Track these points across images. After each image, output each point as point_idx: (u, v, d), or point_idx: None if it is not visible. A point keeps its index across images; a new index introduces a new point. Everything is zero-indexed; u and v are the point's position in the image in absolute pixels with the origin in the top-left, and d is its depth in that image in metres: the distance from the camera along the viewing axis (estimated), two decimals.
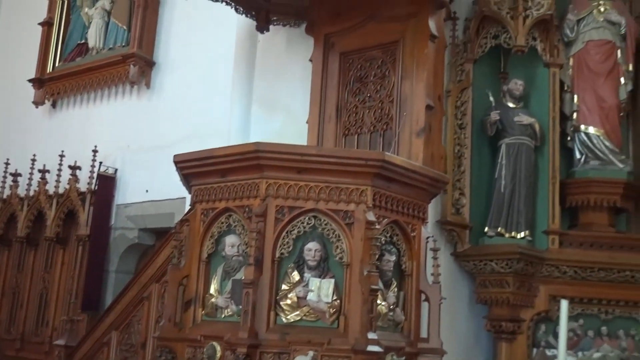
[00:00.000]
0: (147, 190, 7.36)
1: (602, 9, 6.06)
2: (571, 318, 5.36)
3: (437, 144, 5.32)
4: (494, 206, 5.68)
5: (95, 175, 7.59)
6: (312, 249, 3.90)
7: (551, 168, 5.74)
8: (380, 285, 3.95)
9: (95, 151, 7.63)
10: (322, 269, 3.91)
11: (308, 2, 5.84)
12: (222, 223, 4.13)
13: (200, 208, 4.20)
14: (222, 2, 5.72)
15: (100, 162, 7.62)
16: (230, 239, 4.10)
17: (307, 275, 3.88)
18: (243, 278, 3.83)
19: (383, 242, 4.03)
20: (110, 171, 7.67)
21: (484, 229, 5.69)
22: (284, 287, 3.89)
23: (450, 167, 5.66)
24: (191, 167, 4.28)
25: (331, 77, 5.72)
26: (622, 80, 5.99)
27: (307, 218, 3.93)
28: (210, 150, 4.16)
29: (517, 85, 5.89)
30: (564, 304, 4.43)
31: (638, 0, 6.30)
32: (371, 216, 3.88)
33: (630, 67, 6.03)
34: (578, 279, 5.59)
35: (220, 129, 6.38)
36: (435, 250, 4.36)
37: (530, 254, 5.53)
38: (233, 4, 5.79)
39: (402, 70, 5.33)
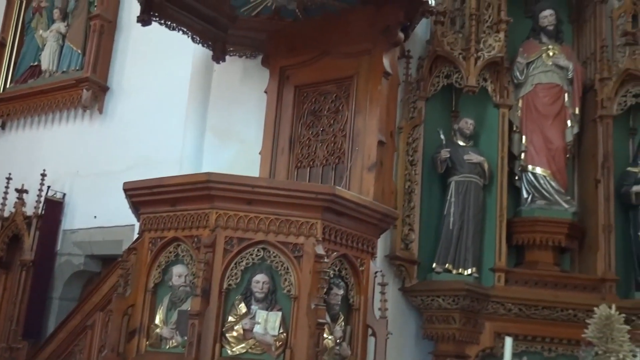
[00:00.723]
0: (95, 217, 7.26)
1: (550, 54, 6.24)
2: (515, 355, 5.41)
3: (388, 179, 5.38)
4: (442, 242, 5.75)
5: (42, 199, 7.45)
6: (260, 281, 3.91)
7: (499, 206, 5.84)
8: (328, 319, 3.96)
9: (43, 175, 7.51)
10: (270, 301, 3.92)
11: (265, 35, 5.88)
12: (170, 253, 4.11)
13: (149, 237, 4.17)
14: (179, 31, 5.73)
15: (49, 187, 7.49)
16: (177, 269, 4.08)
17: (254, 307, 3.88)
18: (189, 309, 3.81)
19: (331, 275, 4.05)
20: (59, 196, 7.55)
21: (432, 264, 5.74)
22: (230, 318, 3.88)
23: (401, 202, 5.72)
24: (141, 195, 4.25)
25: (285, 109, 5.76)
26: (569, 123, 6.16)
27: (256, 250, 3.94)
28: (160, 179, 4.15)
29: (467, 124, 6.01)
30: (509, 341, 4.51)
31: (585, 46, 6.50)
32: (320, 249, 3.90)
33: (577, 111, 6.19)
34: (523, 317, 5.67)
35: (172, 157, 6.35)
36: (383, 285, 4.39)
37: (477, 291, 5.60)
38: (190, 33, 5.80)
39: (355, 105, 5.39)
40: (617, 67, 6.02)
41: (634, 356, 4.33)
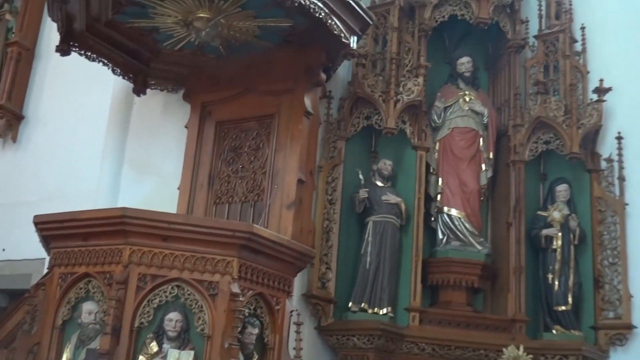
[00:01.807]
0: (3, 249, 7.00)
1: (467, 99, 6.44)
2: None
3: (306, 218, 5.40)
4: (359, 282, 5.79)
5: None
6: (173, 319, 3.84)
7: (415, 247, 5.93)
8: (241, 358, 3.92)
9: None
10: (182, 340, 3.84)
11: (187, 70, 5.87)
12: (81, 289, 4.00)
13: (59, 272, 4.06)
14: (99, 62, 5.65)
15: None
16: (87, 306, 3.97)
17: (166, 346, 3.80)
18: (98, 347, 3.69)
19: (246, 314, 4.02)
20: None
21: (349, 303, 5.77)
22: (141, 357, 3.79)
23: (319, 241, 5.74)
24: (52, 229, 4.14)
25: (206, 144, 5.73)
26: (483, 166, 6.34)
27: (170, 287, 3.88)
28: (73, 213, 4.05)
29: (386, 165, 6.11)
30: None
31: (500, 93, 6.73)
32: (236, 288, 3.87)
33: (491, 155, 6.38)
34: (436, 357, 5.73)
35: (87, 190, 6.20)
36: (298, 324, 4.38)
37: (392, 331, 5.64)
38: (111, 65, 5.73)
39: (276, 143, 5.41)
40: (529, 114, 6.25)
41: None
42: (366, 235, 5.89)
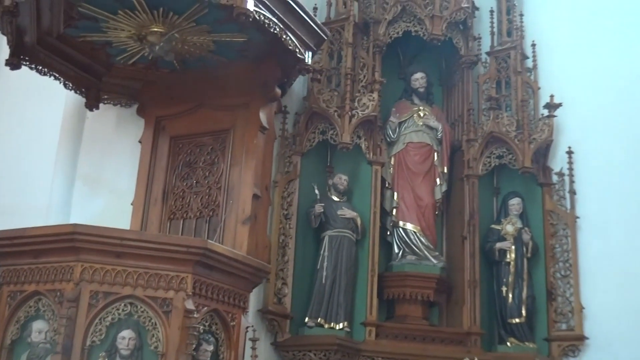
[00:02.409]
0: None
1: (421, 114, 6.51)
2: None
3: (262, 233, 5.37)
4: (315, 297, 5.78)
5: None
6: (126, 337, 3.78)
7: (371, 261, 5.95)
8: None
9: None
10: (136, 358, 3.79)
11: (141, 84, 5.80)
12: (30, 307, 3.92)
13: (7, 290, 3.97)
14: (50, 76, 5.56)
15: None
16: (37, 325, 3.89)
17: None
18: None
19: (201, 331, 3.98)
20: None
21: (305, 319, 5.75)
22: None
23: (274, 256, 5.72)
24: (1, 246, 4.03)
25: (160, 159, 5.66)
26: (438, 181, 6.41)
27: (122, 304, 3.82)
28: (23, 230, 3.97)
29: (341, 180, 6.13)
30: None
31: (454, 108, 6.82)
32: (190, 304, 3.83)
33: (445, 170, 6.46)
34: None
35: (38, 206, 6.05)
36: (254, 340, 4.36)
37: (348, 345, 5.64)
38: (62, 79, 5.63)
39: (231, 158, 5.38)
40: (482, 129, 6.35)
41: None
42: (322, 250, 5.89)
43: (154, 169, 5.65)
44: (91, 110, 5.91)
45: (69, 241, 3.81)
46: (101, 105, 5.94)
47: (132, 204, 5.64)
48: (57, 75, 5.58)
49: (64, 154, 6.21)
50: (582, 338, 5.89)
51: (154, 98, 5.77)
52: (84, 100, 5.88)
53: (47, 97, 6.45)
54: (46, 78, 5.62)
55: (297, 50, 4.96)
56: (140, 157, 5.72)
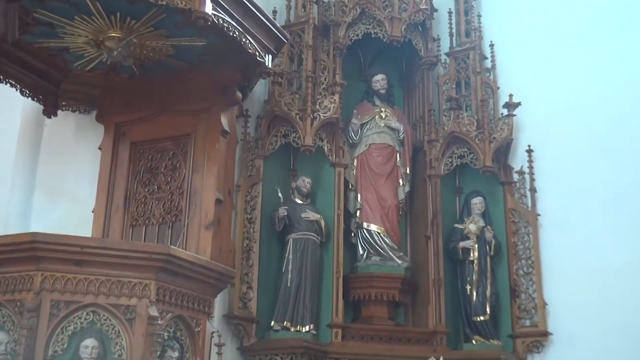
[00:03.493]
0: None
1: (383, 116, 6.54)
2: None
3: (225, 237, 5.33)
4: (281, 300, 5.76)
5: None
6: (89, 346, 3.73)
7: (335, 263, 5.95)
8: None
9: None
10: None
11: (100, 90, 5.72)
12: None
13: None
14: (6, 83, 5.46)
15: None
16: None
17: None
18: None
19: (166, 337, 3.94)
20: None
21: (271, 322, 5.73)
22: None
23: (239, 260, 5.69)
24: None
25: (121, 166, 5.58)
26: (401, 182, 6.45)
27: (85, 313, 3.77)
28: None
29: (304, 182, 6.13)
30: None
31: (415, 109, 6.87)
32: (154, 311, 3.80)
33: (408, 170, 6.51)
34: None
35: None
36: (220, 345, 4.33)
37: (315, 348, 5.64)
38: (19, 86, 5.53)
39: (193, 163, 5.33)
40: (444, 129, 6.40)
41: None
42: (287, 253, 5.88)
43: (114, 176, 5.57)
44: (49, 117, 5.82)
45: (28, 250, 3.75)
46: (60, 112, 5.85)
47: (93, 212, 5.56)
48: (14, 83, 5.48)
49: (22, 162, 6.10)
50: (545, 334, 5.97)
51: (114, 104, 5.70)
52: (41, 107, 5.79)
53: (3, 105, 6.33)
54: (2, 85, 5.52)
55: (257, 54, 4.95)
56: (101, 164, 5.63)
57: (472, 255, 6.11)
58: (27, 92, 5.62)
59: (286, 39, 5.37)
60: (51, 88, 5.66)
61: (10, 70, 5.33)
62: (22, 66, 5.36)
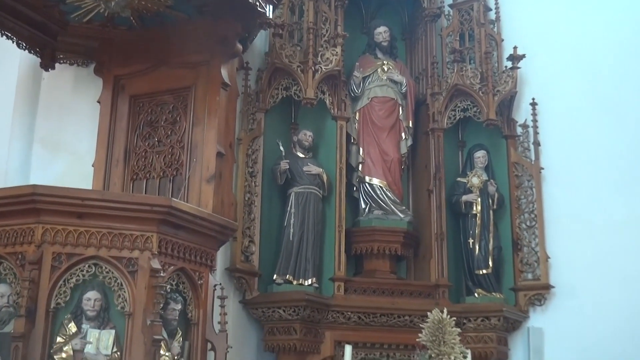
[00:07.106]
0: None
1: (385, 69, 6.45)
2: None
3: (227, 191, 5.30)
4: (283, 254, 5.75)
5: None
6: (91, 298, 3.74)
7: (337, 217, 5.93)
8: (165, 335, 3.85)
9: None
10: (102, 319, 3.75)
11: (98, 43, 5.63)
12: None
13: None
14: (2, 36, 5.37)
15: None
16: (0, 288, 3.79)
17: (85, 326, 3.70)
18: (12, 331, 3.54)
19: (168, 290, 3.94)
20: None
21: (273, 276, 5.73)
22: (59, 339, 3.67)
23: (241, 214, 5.66)
24: None
25: (120, 120, 5.53)
26: (403, 135, 6.39)
27: (87, 266, 3.77)
28: None
29: (306, 136, 6.07)
30: (348, 349, 4.59)
31: (417, 62, 6.78)
32: (156, 264, 3.78)
33: (410, 124, 6.43)
34: (362, 325, 5.76)
35: None
36: (222, 298, 4.33)
37: (317, 301, 5.64)
38: (15, 38, 5.45)
39: (193, 116, 5.27)
40: (447, 82, 6.32)
41: (464, 357, 4.52)
42: (289, 207, 5.85)
43: (114, 130, 5.51)
44: (47, 70, 5.76)
45: (28, 203, 3.73)
46: (57, 65, 5.79)
47: (93, 166, 5.52)
48: (10, 35, 5.40)
49: (21, 117, 6.05)
50: (547, 287, 5.98)
51: (112, 57, 5.61)
52: (39, 60, 5.71)
53: (0, 59, 6.25)
54: None
55: (258, 4, 4.86)
56: (100, 117, 5.57)
57: (474, 208, 6.09)
58: (24, 44, 5.55)
59: None
60: (48, 40, 5.59)
61: (7, 22, 5.27)
62: (18, 18, 5.30)
